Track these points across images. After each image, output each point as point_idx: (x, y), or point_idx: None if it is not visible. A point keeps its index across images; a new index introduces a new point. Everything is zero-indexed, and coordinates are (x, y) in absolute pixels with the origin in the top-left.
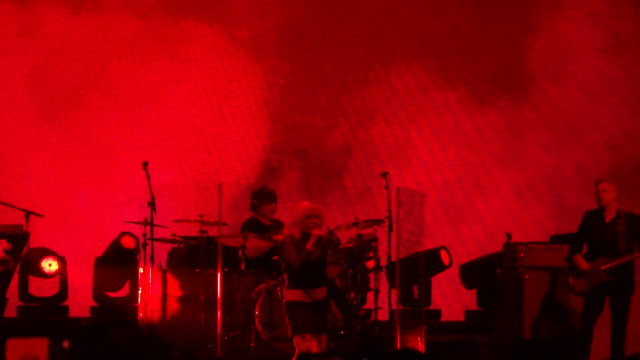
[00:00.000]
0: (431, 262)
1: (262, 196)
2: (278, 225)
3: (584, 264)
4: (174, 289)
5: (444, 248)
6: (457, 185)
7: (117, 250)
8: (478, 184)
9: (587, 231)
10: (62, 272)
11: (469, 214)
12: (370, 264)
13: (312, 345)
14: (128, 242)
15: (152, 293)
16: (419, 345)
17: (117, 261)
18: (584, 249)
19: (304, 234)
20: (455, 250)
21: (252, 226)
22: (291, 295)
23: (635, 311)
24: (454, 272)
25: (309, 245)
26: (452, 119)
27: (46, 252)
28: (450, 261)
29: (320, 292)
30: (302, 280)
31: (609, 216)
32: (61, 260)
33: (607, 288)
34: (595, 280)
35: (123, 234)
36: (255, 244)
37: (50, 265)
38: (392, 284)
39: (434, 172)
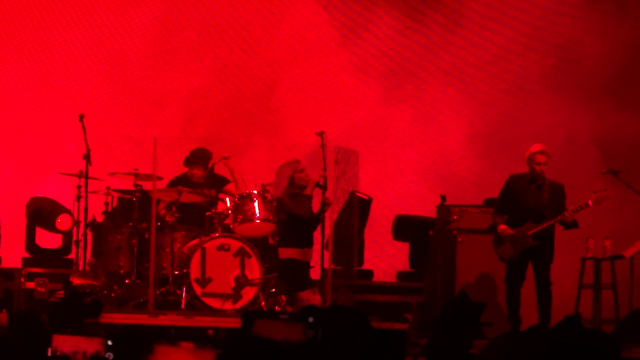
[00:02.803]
0: (361, 210)
1: (191, 156)
2: (212, 180)
3: (509, 230)
4: (108, 242)
5: (355, 191)
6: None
7: (51, 230)
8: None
9: (512, 196)
10: None
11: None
12: None
13: (317, 300)
14: (64, 224)
15: (85, 246)
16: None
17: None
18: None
19: (294, 189)
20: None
21: (180, 181)
22: (289, 253)
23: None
24: (387, 234)
25: (308, 191)
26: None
27: None
28: (369, 196)
29: (310, 254)
30: (301, 239)
31: (535, 183)
32: None
33: (530, 253)
34: (522, 246)
35: (60, 212)
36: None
37: None
38: (324, 245)
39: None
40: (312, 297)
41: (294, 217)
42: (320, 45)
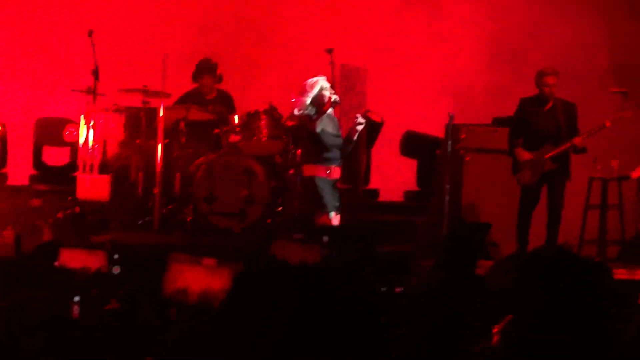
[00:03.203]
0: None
1: (197, 68)
2: (222, 98)
3: (527, 155)
4: (113, 160)
5: (368, 111)
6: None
7: (59, 144)
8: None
9: (526, 120)
10: (2, 137)
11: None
12: None
13: (337, 220)
14: (71, 135)
15: (92, 163)
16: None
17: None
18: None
19: (319, 108)
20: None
21: (189, 97)
22: (313, 170)
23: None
24: (394, 153)
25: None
26: None
27: None
28: (382, 119)
29: (338, 171)
30: (327, 157)
31: (546, 105)
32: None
33: (546, 177)
34: (541, 170)
35: (66, 122)
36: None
37: None
38: None
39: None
40: (330, 219)
41: (317, 135)
42: None
